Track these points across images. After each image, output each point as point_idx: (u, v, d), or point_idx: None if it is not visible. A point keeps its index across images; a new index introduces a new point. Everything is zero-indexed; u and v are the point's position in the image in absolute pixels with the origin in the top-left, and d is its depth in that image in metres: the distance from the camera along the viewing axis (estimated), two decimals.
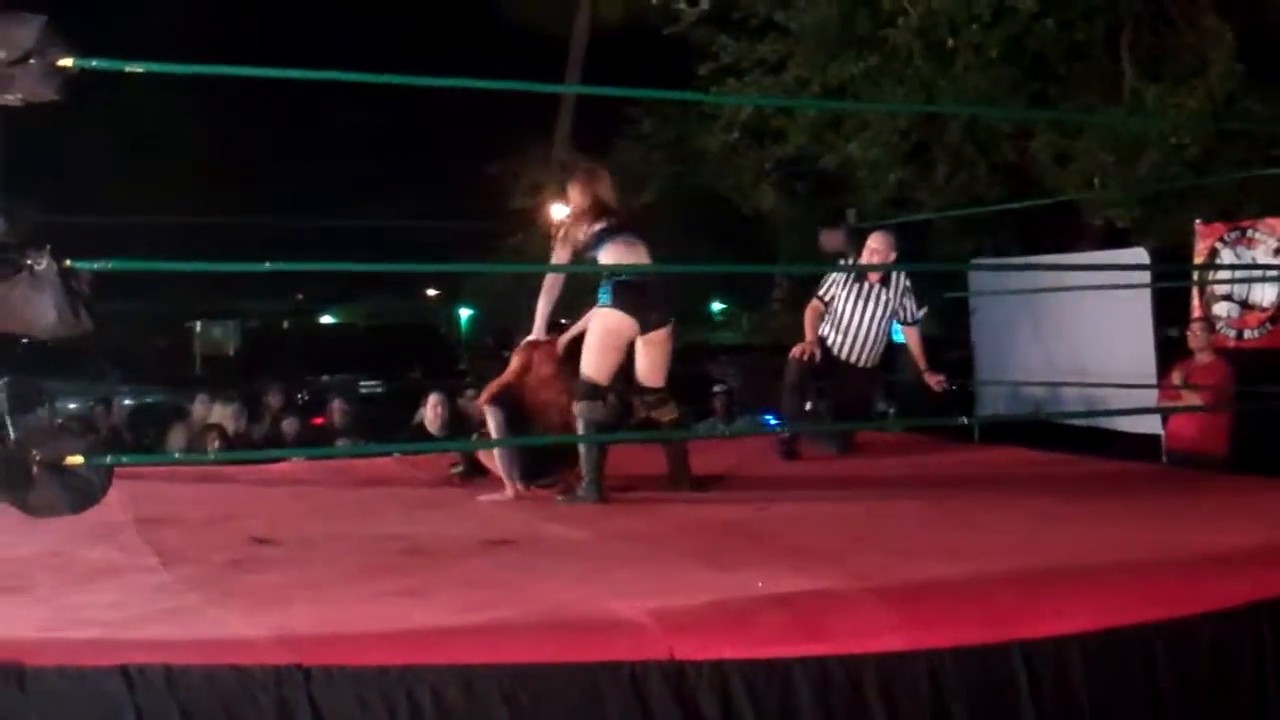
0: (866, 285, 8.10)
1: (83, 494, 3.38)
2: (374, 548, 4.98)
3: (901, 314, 8.26)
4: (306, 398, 15.58)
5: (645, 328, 6.39)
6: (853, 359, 8.16)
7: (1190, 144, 10.61)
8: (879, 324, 8.14)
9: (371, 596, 3.98)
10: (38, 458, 3.33)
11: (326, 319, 36.96)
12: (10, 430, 3.92)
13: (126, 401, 13.70)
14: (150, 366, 20.65)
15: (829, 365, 8.11)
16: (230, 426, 9.80)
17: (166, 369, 21.47)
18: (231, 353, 24.63)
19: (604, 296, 6.37)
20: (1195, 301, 9.98)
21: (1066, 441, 8.87)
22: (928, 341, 8.63)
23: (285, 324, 32.90)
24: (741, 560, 4.52)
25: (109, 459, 3.71)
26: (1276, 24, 11.34)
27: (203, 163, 24.48)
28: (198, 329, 26.06)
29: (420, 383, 19.35)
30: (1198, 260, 10.01)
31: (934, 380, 8.31)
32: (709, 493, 6.41)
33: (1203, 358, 9.01)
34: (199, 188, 23.22)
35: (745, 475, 7.01)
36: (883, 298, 8.11)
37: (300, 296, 35.37)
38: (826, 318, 8.19)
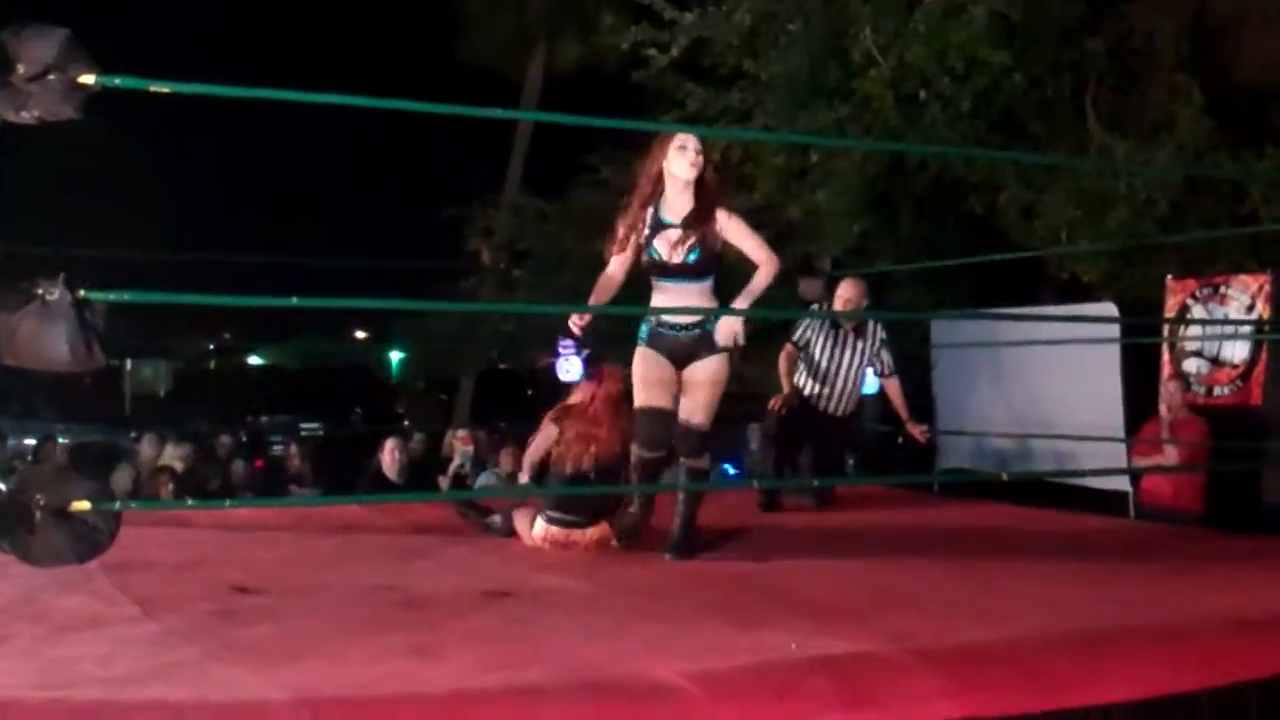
0: (842, 333, 8.01)
1: (89, 542, 3.14)
2: (367, 599, 4.75)
3: (879, 365, 8.17)
4: (246, 439, 15.24)
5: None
6: (829, 409, 8.05)
7: (1159, 199, 10.60)
8: (855, 373, 8.05)
9: (381, 653, 3.75)
10: (40, 502, 3.07)
11: (254, 359, 36.48)
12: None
13: (62, 440, 13.26)
14: (81, 404, 20.16)
15: (806, 415, 7.99)
16: (180, 468, 9.49)
17: (97, 407, 20.98)
18: (162, 393, 24.16)
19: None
20: (1165, 357, 9.95)
21: (1029, 496, 8.77)
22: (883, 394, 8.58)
23: (212, 364, 32.44)
24: (761, 617, 4.34)
25: (118, 505, 3.46)
26: (1244, 82, 11.43)
27: (146, 197, 24.10)
28: (128, 367, 25.50)
29: (363, 425, 19.14)
30: (1168, 316, 9.99)
31: (918, 431, 8.22)
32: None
33: (1179, 414, 8.97)
34: (142, 222, 22.79)
35: (730, 527, 6.81)
36: (858, 347, 8.02)
37: (228, 336, 34.89)
38: (801, 365, 8.08)
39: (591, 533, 6.01)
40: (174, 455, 9.63)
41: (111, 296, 3.17)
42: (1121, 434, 9.37)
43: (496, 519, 6.43)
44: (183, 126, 24.60)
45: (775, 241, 13.48)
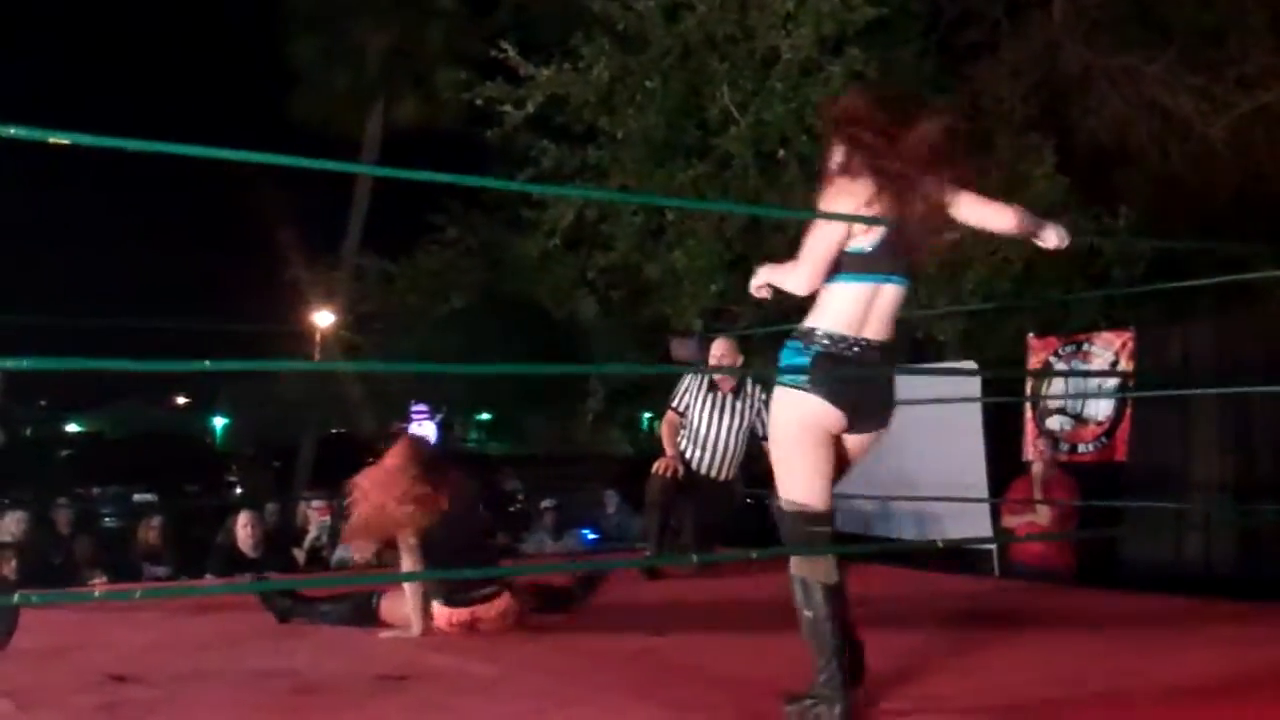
0: (719, 395, 7.91)
1: None
2: (258, 686, 4.46)
3: (759, 428, 8.07)
4: (80, 512, 14.53)
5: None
6: (711, 473, 7.92)
7: (1014, 260, 10.78)
8: (736, 435, 7.94)
9: None
10: None
11: (72, 426, 35.18)
12: None
13: None
14: None
15: (689, 480, 7.85)
16: (16, 540, 8.93)
17: None
18: None
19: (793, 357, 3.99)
20: (1029, 415, 10.06)
21: (890, 557, 8.75)
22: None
23: (28, 431, 31.18)
24: (687, 697, 4.14)
25: (16, 598, 3.12)
26: (1090, 142, 11.75)
27: None
28: None
29: (200, 496, 18.43)
30: (1030, 375, 10.11)
31: None
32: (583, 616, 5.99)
33: (1050, 472, 9.02)
34: None
35: (616, 596, 6.61)
36: (738, 408, 7.93)
37: (43, 403, 33.63)
38: (683, 431, 7.95)
39: (498, 604, 5.64)
40: (10, 529, 9.06)
41: (9, 364, 2.85)
42: (984, 492, 9.42)
43: (328, 607, 5.90)
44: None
45: (633, 300, 13.65)
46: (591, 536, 12.57)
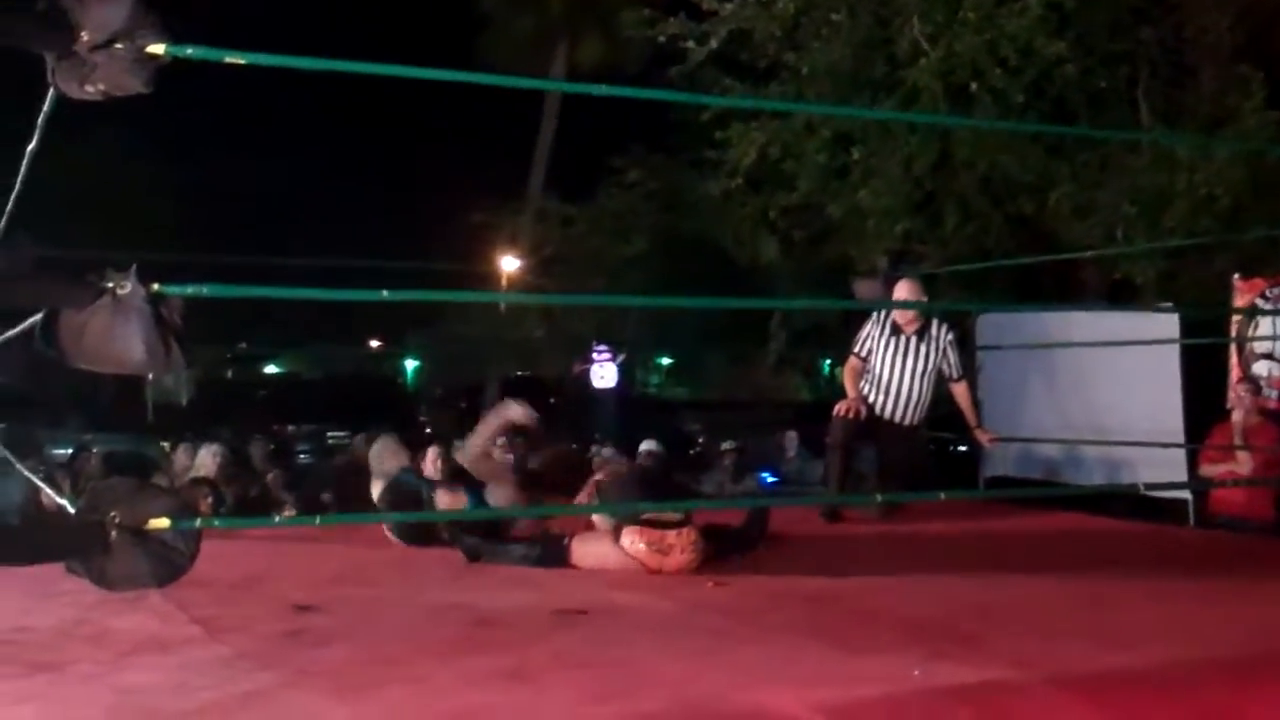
0: (904, 339, 7.71)
1: (169, 563, 2.86)
2: (437, 618, 4.49)
3: (946, 370, 7.87)
4: (274, 448, 15.00)
5: None
6: (895, 417, 7.75)
7: (1220, 196, 10.30)
8: (921, 379, 7.74)
9: (471, 679, 3.49)
10: (116, 521, 2.80)
11: (270, 369, 36.32)
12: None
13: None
14: (105, 414, 19.90)
15: (872, 424, 7.69)
16: (212, 473, 9.21)
17: (121, 417, 20.72)
18: (184, 402, 23.92)
19: None
20: (1234, 360, 9.63)
21: (1079, 504, 8.48)
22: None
23: (230, 373, 32.28)
24: (863, 639, 4.06)
25: (199, 522, 3.19)
26: None
27: (168, 199, 23.93)
28: (150, 376, 25.31)
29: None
30: (1235, 318, 9.67)
31: (985, 438, 7.95)
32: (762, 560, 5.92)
33: (1250, 419, 8.64)
34: (164, 225, 22.60)
35: (796, 538, 6.54)
36: (922, 351, 7.73)
37: (244, 345, 34.72)
38: (866, 375, 7.79)
39: (687, 534, 5.58)
40: (208, 464, 9.34)
41: (189, 290, 2.89)
42: (1181, 440, 9.06)
43: (521, 549, 5.91)
44: (197, 124, 24.45)
45: (815, 242, 13.48)
46: (771, 480, 12.49)
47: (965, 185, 11.89)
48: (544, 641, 4.05)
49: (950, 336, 7.85)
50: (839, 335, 15.61)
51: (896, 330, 7.71)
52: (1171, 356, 9.34)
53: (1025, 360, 10.51)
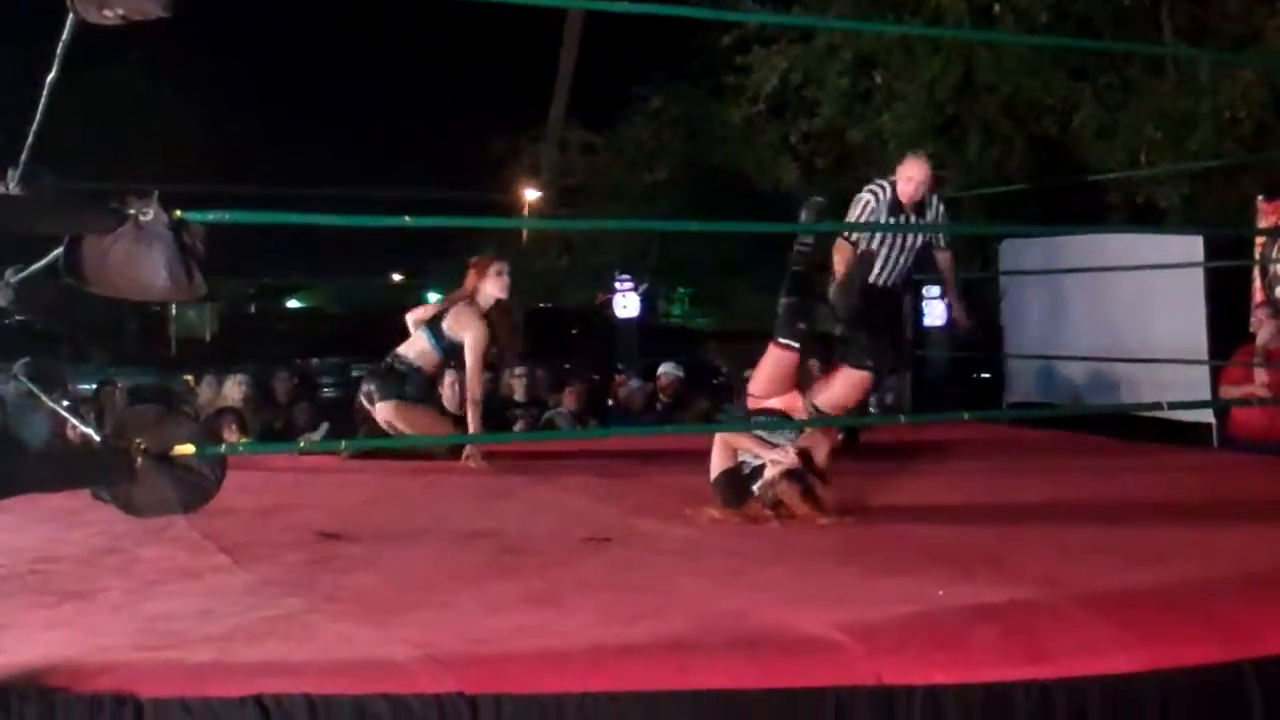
0: (901, 218, 7.15)
1: (195, 489, 2.86)
2: (465, 545, 4.54)
3: (935, 239, 7.55)
4: (298, 381, 15.02)
5: None
6: (877, 282, 7.25)
7: (1245, 118, 10.17)
8: (910, 253, 7.35)
9: (499, 604, 3.51)
10: (142, 447, 2.80)
11: (294, 303, 36.31)
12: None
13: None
14: (127, 348, 19.98)
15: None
16: (238, 404, 9.25)
17: (144, 351, 20.80)
18: (208, 337, 23.97)
19: None
20: (1257, 283, 9.55)
21: (1101, 426, 8.45)
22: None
23: (253, 307, 32.32)
24: (887, 562, 4.06)
25: (224, 448, 3.19)
26: None
27: (187, 137, 23.88)
28: (173, 311, 25.37)
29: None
30: (1259, 241, 9.58)
31: (963, 322, 7.75)
32: None
33: (1272, 342, 8.56)
34: (183, 163, 22.55)
35: None
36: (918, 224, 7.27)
37: (266, 280, 34.66)
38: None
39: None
40: (234, 394, 9.37)
41: (210, 217, 2.87)
42: (1204, 358, 8.99)
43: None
44: (212, 55, 24.30)
45: (837, 168, 13.37)
46: None
47: (988, 109, 11.76)
48: (569, 566, 4.08)
49: (943, 207, 7.46)
50: None
51: (896, 210, 7.20)
52: (1195, 280, 9.27)
53: (1048, 285, 10.45)
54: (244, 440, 7.84)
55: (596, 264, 16.93)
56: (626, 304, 14.48)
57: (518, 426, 9.60)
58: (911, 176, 7.14)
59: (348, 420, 10.10)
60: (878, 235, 7.18)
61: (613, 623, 3.25)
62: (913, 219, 7.20)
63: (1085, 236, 10.54)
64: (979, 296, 14.95)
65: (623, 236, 15.85)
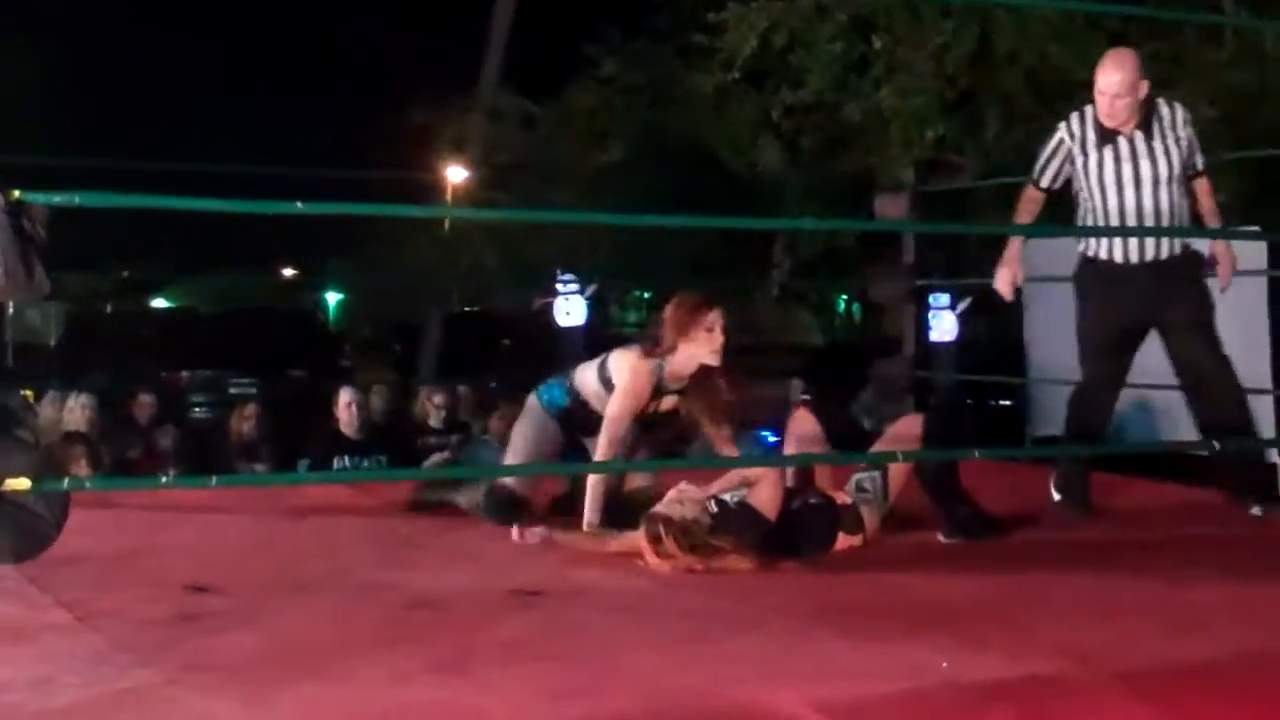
0: (1122, 142, 6.10)
1: (29, 534, 2.83)
2: (362, 600, 4.51)
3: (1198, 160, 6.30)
4: (162, 400, 14.97)
5: None
6: (1144, 257, 6.18)
7: None
8: (1166, 189, 6.10)
9: (401, 675, 3.49)
10: None
11: (159, 302, 36.14)
12: None
13: None
14: None
15: (1105, 292, 6.37)
16: (86, 428, 9.22)
17: None
18: (53, 343, 23.79)
19: None
20: None
21: (1143, 467, 8.52)
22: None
23: (109, 306, 32.08)
24: (883, 626, 4.06)
25: (68, 483, 3.16)
26: None
27: (31, 97, 23.75)
28: (9, 311, 25.21)
29: (306, 381, 18.80)
30: None
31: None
32: None
33: None
34: (26, 131, 22.44)
35: None
36: (1158, 151, 6.11)
37: (127, 273, 34.51)
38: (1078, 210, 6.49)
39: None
40: (79, 417, 9.32)
41: (57, 199, 2.83)
42: (1269, 387, 9.09)
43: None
44: (81, 9, 24.28)
45: (828, 149, 13.48)
46: (773, 439, 12.48)
47: (1009, 82, 11.88)
48: (489, 628, 4.07)
49: (1187, 117, 6.20)
50: (855, 264, 15.62)
51: (1107, 135, 6.13)
52: (1258, 291, 9.37)
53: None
54: (93, 475, 7.81)
55: (534, 260, 16.91)
56: (570, 309, 14.39)
57: (433, 459, 9.61)
58: (1104, 89, 6.05)
59: (221, 449, 10.12)
60: (1098, 179, 6.17)
61: (541, 699, 3.25)
62: (1139, 145, 6.09)
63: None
64: (996, 308, 15.14)
65: (566, 227, 15.84)
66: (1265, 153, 10.54)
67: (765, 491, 5.21)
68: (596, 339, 16.72)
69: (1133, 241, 6.15)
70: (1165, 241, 6.10)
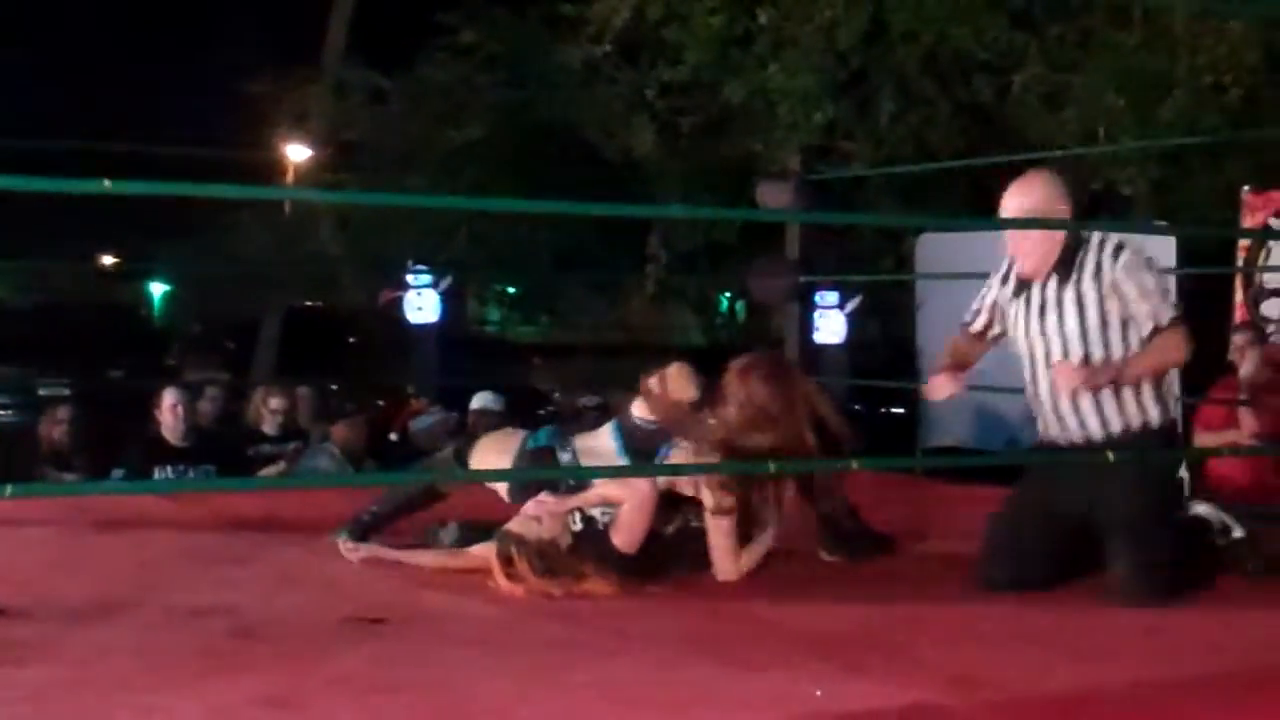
0: (1037, 292, 5.36)
1: None
2: (182, 626, 4.50)
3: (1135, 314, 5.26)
4: None
5: None
6: (1073, 436, 5.31)
7: (1231, 84, 10.52)
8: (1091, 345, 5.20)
9: (220, 708, 3.50)
10: None
11: None
12: None
13: None
14: None
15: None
16: None
17: None
18: None
19: None
20: (1238, 297, 9.89)
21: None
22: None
23: None
24: (752, 654, 4.14)
25: None
26: None
27: None
28: None
29: (125, 382, 18.56)
30: (1243, 244, 9.92)
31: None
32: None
33: (1259, 374, 8.85)
34: None
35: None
36: (1067, 298, 5.27)
37: None
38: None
39: None
40: None
41: None
42: (1177, 394, 9.26)
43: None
44: None
45: (708, 131, 13.52)
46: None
47: (904, 63, 12.01)
48: (324, 658, 4.08)
49: (1125, 260, 5.15)
50: (737, 257, 15.67)
51: (1021, 284, 5.47)
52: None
53: (977, 292, 10.64)
54: None
55: (382, 250, 16.85)
56: (422, 305, 14.38)
57: (270, 470, 9.55)
58: (1013, 234, 5.47)
59: (29, 456, 9.96)
60: (1023, 340, 5.45)
61: None
62: (1053, 292, 5.29)
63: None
64: (888, 304, 15.31)
65: (419, 214, 15.76)
66: (1175, 142, 10.74)
67: (627, 516, 5.23)
68: (452, 338, 16.69)
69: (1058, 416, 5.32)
70: (1095, 416, 5.21)
